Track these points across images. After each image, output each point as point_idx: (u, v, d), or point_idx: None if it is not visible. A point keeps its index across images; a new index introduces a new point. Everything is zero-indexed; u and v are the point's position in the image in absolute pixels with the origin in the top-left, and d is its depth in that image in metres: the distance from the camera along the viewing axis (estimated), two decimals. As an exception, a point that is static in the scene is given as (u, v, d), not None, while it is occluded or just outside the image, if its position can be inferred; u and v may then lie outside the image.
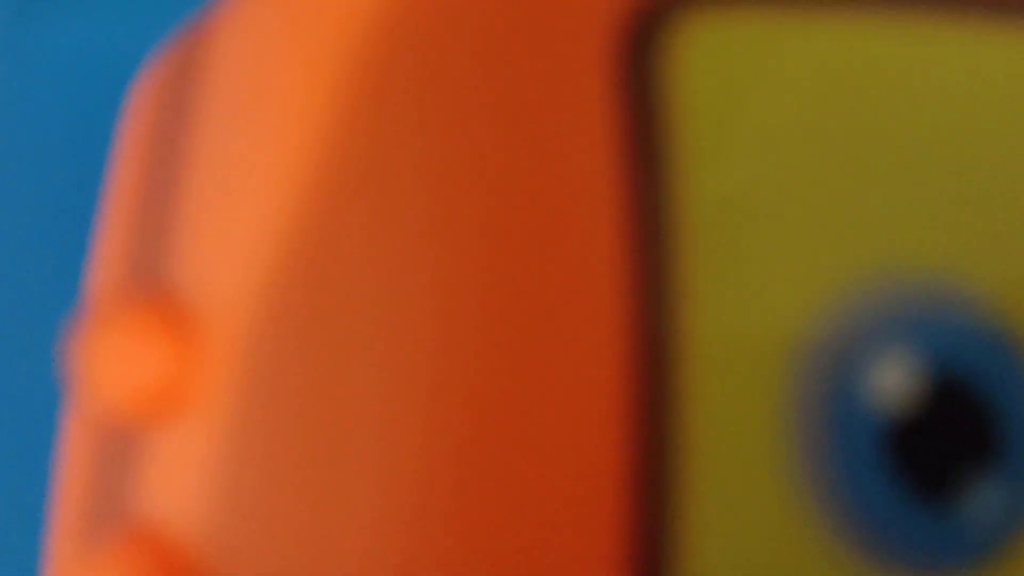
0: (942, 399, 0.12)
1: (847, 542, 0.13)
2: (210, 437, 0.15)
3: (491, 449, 0.12)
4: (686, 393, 0.12)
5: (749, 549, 0.12)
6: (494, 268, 0.12)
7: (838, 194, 0.13)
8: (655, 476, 0.12)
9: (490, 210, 0.12)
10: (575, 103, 0.13)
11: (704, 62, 0.13)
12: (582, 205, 0.13)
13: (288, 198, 0.15)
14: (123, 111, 0.21)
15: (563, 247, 0.12)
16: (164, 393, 0.16)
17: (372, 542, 0.13)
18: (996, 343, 0.13)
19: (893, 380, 0.12)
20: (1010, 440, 0.13)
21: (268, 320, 0.15)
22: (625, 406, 0.12)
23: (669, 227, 0.12)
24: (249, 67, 0.16)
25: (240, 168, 0.15)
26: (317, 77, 0.14)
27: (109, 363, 0.16)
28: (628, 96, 0.13)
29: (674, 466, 0.12)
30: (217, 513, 0.14)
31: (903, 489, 0.12)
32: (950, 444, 0.13)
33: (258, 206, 0.15)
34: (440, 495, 0.12)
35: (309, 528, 0.14)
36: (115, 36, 0.21)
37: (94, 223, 0.21)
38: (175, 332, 0.16)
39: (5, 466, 0.20)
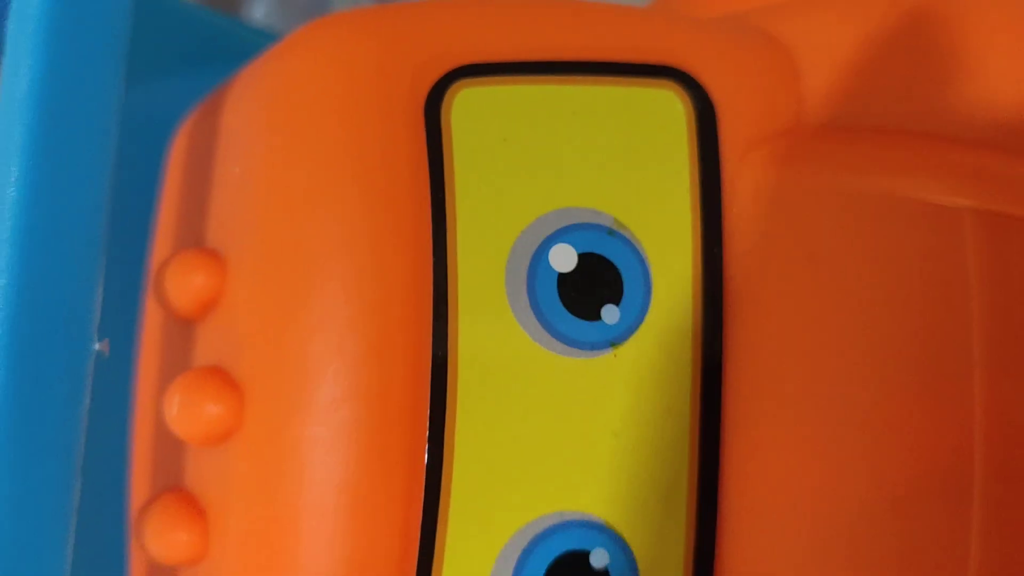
0: (587, 264, 0.22)
1: (544, 344, 0.22)
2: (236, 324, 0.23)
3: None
4: (454, 261, 0.22)
5: (488, 351, 0.21)
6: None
7: (533, 173, 0.22)
8: (440, 310, 0.22)
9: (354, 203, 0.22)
10: (398, 141, 0.22)
11: (464, 113, 0.22)
12: (400, 198, 0.22)
13: (260, 196, 0.23)
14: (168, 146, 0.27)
15: (395, 213, 0.22)
16: (205, 298, 0.23)
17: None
18: (618, 239, 0.23)
19: (561, 255, 0.22)
20: (626, 284, 0.22)
21: (261, 256, 0.23)
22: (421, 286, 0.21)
23: (447, 197, 0.22)
24: (237, 119, 0.24)
25: (236, 182, 0.23)
26: (266, 134, 0.23)
27: (172, 281, 0.23)
28: (427, 135, 0.22)
29: (448, 303, 0.21)
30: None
31: (571, 312, 0.22)
32: (596, 287, 0.22)
33: (247, 197, 0.23)
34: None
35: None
36: (168, 101, 0.27)
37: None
38: (209, 263, 0.23)
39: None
